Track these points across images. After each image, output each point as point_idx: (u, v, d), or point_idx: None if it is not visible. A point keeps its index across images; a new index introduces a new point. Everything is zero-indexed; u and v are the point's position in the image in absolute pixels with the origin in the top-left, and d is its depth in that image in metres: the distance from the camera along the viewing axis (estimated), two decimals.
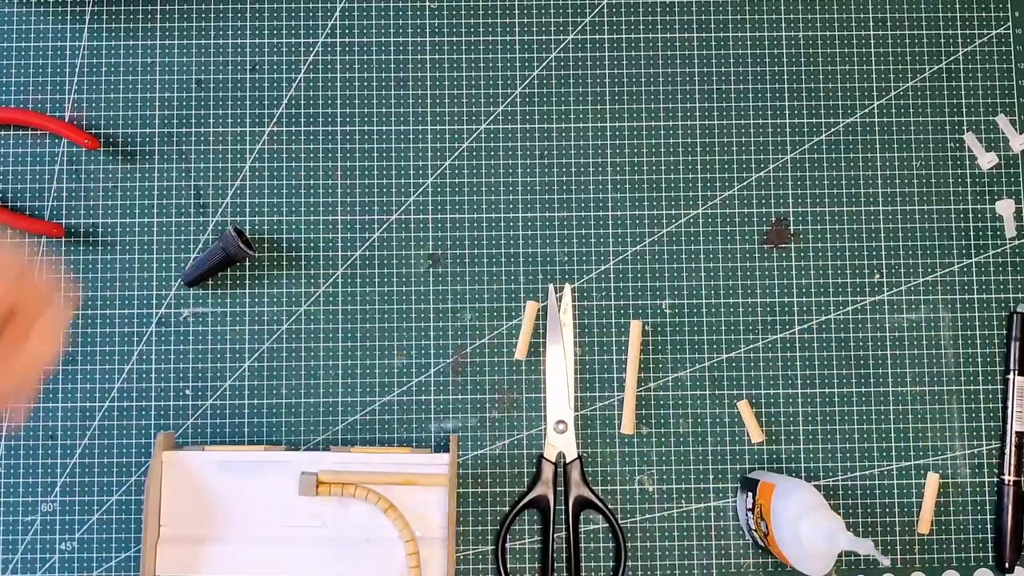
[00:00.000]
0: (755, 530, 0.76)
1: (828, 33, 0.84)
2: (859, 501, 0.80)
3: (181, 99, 0.82)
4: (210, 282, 0.81)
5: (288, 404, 0.80)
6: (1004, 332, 0.82)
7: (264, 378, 0.80)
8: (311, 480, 0.73)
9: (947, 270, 0.82)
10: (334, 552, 0.73)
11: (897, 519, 0.80)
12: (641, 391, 0.80)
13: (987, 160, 0.82)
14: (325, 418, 0.80)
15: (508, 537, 0.79)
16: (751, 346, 0.81)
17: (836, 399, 0.81)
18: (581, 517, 0.79)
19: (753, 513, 0.76)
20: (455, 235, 0.81)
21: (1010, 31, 0.84)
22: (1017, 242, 0.82)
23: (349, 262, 0.81)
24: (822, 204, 0.82)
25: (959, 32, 0.84)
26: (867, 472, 0.80)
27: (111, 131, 0.82)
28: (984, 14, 0.84)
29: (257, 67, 0.83)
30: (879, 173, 0.83)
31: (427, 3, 0.84)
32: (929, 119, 0.83)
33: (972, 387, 0.81)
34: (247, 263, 0.81)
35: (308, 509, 0.74)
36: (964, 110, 0.83)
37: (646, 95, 0.83)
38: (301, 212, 0.81)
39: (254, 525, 0.74)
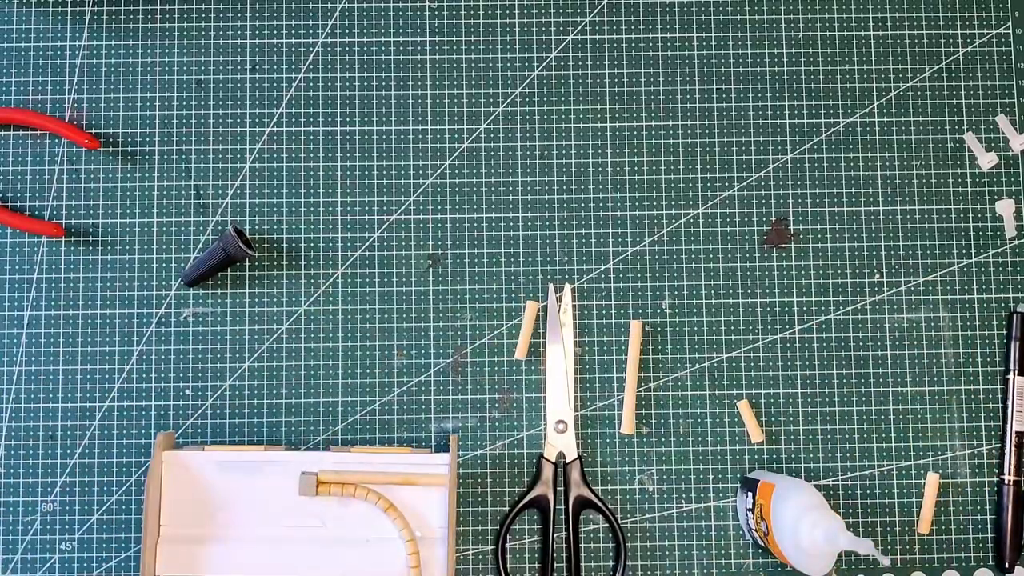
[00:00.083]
0: (755, 530, 0.76)
1: (828, 33, 0.84)
2: (859, 501, 0.80)
3: (181, 99, 0.82)
4: (210, 282, 0.81)
5: (288, 404, 0.80)
6: (1004, 332, 0.82)
7: (264, 378, 0.80)
8: (311, 480, 0.73)
9: (947, 270, 0.82)
10: (334, 552, 0.73)
11: (897, 519, 0.80)
12: (641, 391, 0.80)
13: (987, 160, 0.82)
14: (325, 418, 0.80)
15: (508, 537, 0.79)
16: (751, 346, 0.81)
17: (836, 399, 0.81)
18: (581, 517, 0.79)
19: (753, 513, 0.76)
20: (455, 235, 0.81)
21: (1010, 31, 0.84)
22: (1017, 242, 0.82)
23: (349, 262, 0.81)
24: (822, 204, 0.82)
25: (959, 32, 0.84)
26: (867, 472, 0.80)
27: (111, 131, 0.82)
28: (984, 14, 0.84)
29: (257, 67, 0.83)
30: (879, 173, 0.83)
31: (427, 3, 0.84)
32: (929, 119, 0.83)
33: (972, 387, 0.81)
34: (247, 263, 0.81)
35: (308, 509, 0.74)
36: (964, 110, 0.83)
37: (646, 95, 0.83)
38: (301, 212, 0.81)
39: (254, 525, 0.74)
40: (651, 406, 0.80)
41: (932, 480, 0.80)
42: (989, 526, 0.80)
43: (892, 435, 0.80)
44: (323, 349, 0.80)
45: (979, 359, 0.81)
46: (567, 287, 0.81)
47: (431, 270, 0.81)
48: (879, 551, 0.75)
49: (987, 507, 0.80)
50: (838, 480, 0.80)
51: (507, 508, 0.79)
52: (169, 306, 0.80)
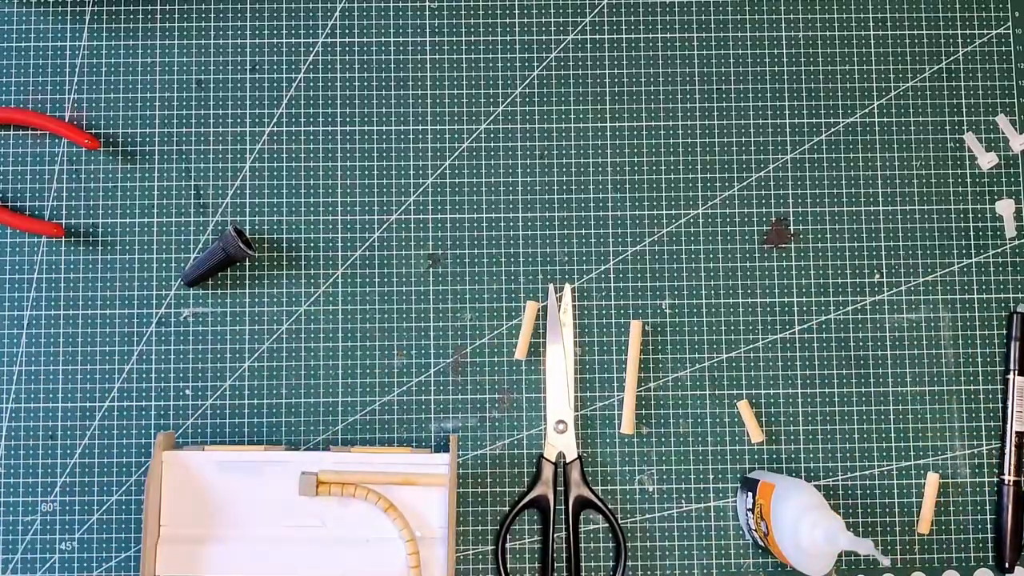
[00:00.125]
0: (755, 530, 0.76)
1: (828, 33, 0.84)
2: (859, 501, 0.80)
3: (181, 99, 0.82)
4: (210, 282, 0.81)
5: (288, 404, 0.80)
6: (1004, 332, 0.82)
7: (264, 378, 0.80)
8: (311, 480, 0.73)
9: (947, 270, 0.82)
10: (334, 552, 0.73)
11: (897, 519, 0.80)
12: (641, 391, 0.80)
13: (987, 160, 0.82)
14: (325, 418, 0.80)
15: (508, 537, 0.79)
16: (751, 346, 0.81)
17: (836, 399, 0.81)
18: (581, 517, 0.79)
19: (753, 513, 0.76)
20: (455, 235, 0.81)
21: (1010, 31, 0.84)
22: (1017, 242, 0.82)
23: (349, 262, 0.81)
24: (822, 204, 0.82)
25: (959, 32, 0.84)
26: (867, 472, 0.80)
27: (111, 131, 0.82)
28: (984, 14, 0.84)
29: (257, 67, 0.83)
30: (879, 173, 0.83)
31: (427, 3, 0.84)
32: (929, 119, 0.83)
33: (972, 387, 0.81)
34: (247, 263, 0.81)
35: (308, 509, 0.74)
36: (964, 110, 0.83)
37: (646, 95, 0.83)
38: (301, 212, 0.81)
39: (254, 525, 0.74)
40: (651, 406, 0.80)
41: (932, 480, 0.80)
42: (989, 526, 0.80)
43: (892, 435, 0.80)
44: (323, 349, 0.80)
45: (979, 359, 0.81)
46: (567, 287, 0.81)
47: (431, 270, 0.81)
48: (879, 551, 0.75)
49: (987, 507, 0.80)
50: (838, 480, 0.80)
51: (507, 508, 0.79)
52: (169, 306, 0.80)
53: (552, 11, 0.84)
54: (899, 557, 0.79)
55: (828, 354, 0.81)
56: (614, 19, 0.84)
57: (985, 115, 0.83)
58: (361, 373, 0.80)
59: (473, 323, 0.81)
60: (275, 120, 0.82)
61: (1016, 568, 0.79)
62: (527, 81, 0.83)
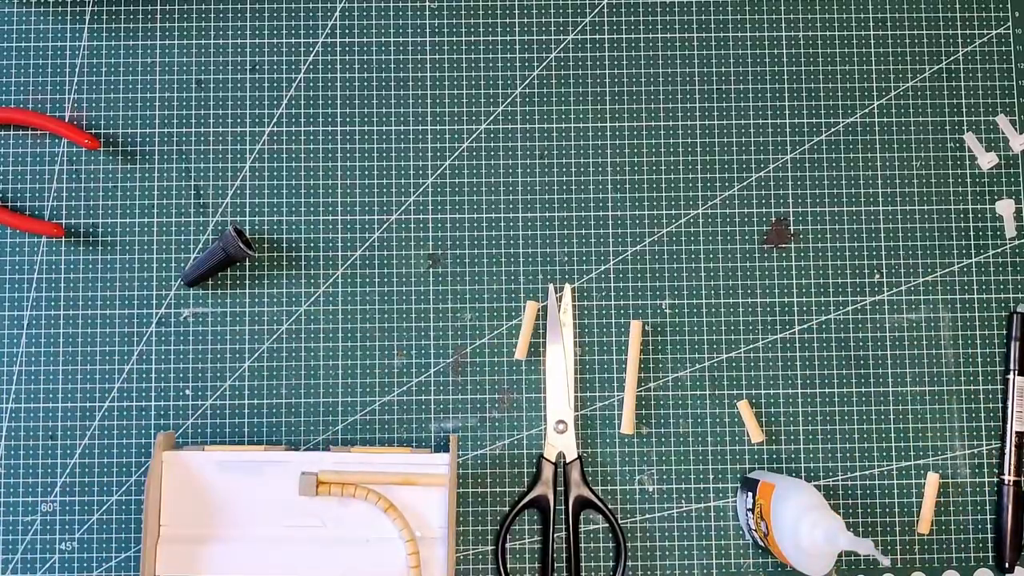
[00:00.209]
0: (755, 530, 0.76)
1: (828, 33, 0.84)
2: (859, 501, 0.80)
3: (181, 99, 0.82)
4: (210, 282, 0.81)
5: (288, 404, 0.80)
6: (1004, 332, 0.82)
7: (264, 378, 0.80)
8: (311, 480, 0.73)
9: (947, 270, 0.82)
10: (334, 552, 0.73)
11: (897, 519, 0.80)
12: (641, 391, 0.80)
13: (987, 160, 0.82)
14: (325, 418, 0.80)
15: (508, 537, 0.79)
16: (751, 346, 0.81)
17: (836, 399, 0.81)
18: (581, 517, 0.79)
19: (753, 513, 0.76)
20: (455, 235, 0.81)
21: (1010, 31, 0.84)
22: (1017, 242, 0.82)
23: (349, 262, 0.81)
24: (822, 204, 0.82)
25: (959, 32, 0.84)
26: (867, 472, 0.80)
27: (111, 131, 0.82)
28: (984, 14, 0.84)
29: (257, 67, 0.83)
30: (879, 173, 0.83)
31: (427, 3, 0.84)
32: (929, 119, 0.83)
33: (972, 387, 0.81)
34: (247, 263, 0.81)
35: (308, 509, 0.74)
36: (964, 110, 0.83)
37: (646, 95, 0.83)
38: (301, 212, 0.81)
39: (254, 525, 0.74)
40: (651, 406, 0.80)
41: (932, 480, 0.80)
42: (989, 526, 0.80)
43: (892, 435, 0.80)
44: (323, 349, 0.80)
45: (979, 359, 0.81)
46: (567, 287, 0.81)
47: (431, 270, 0.81)
48: (879, 551, 0.75)
49: (987, 507, 0.80)
50: (838, 480, 0.80)
51: (507, 508, 0.79)
52: (169, 306, 0.80)
53: (552, 11, 0.84)
54: (899, 557, 0.79)
55: (828, 354, 0.81)
56: (614, 19, 0.84)
57: (985, 115, 0.83)
58: (361, 373, 0.80)
59: (473, 323, 0.81)
60: (275, 120, 0.82)
61: (1016, 568, 0.79)
62: (527, 81, 0.83)
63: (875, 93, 0.83)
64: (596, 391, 0.80)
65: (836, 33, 0.84)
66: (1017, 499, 0.79)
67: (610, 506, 0.79)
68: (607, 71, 0.83)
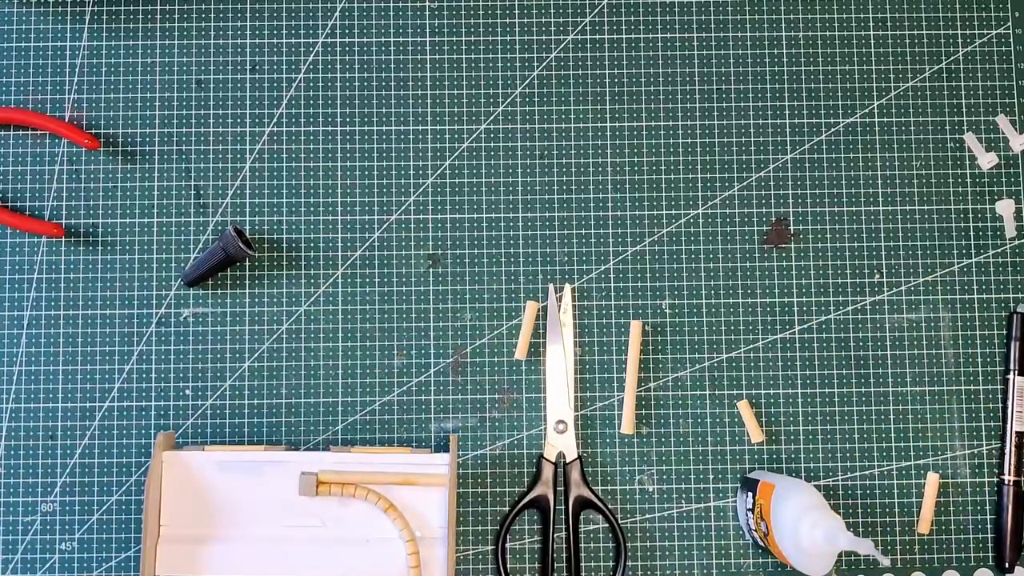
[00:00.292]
0: (755, 530, 0.76)
1: (828, 33, 0.84)
2: (859, 501, 0.80)
3: (181, 99, 0.82)
4: (210, 282, 0.81)
5: (288, 404, 0.80)
6: (1004, 332, 0.82)
7: (264, 378, 0.80)
8: (311, 480, 0.73)
9: (947, 270, 0.82)
10: (334, 552, 0.73)
11: (897, 519, 0.80)
12: (641, 391, 0.80)
13: (987, 160, 0.82)
14: (325, 418, 0.80)
15: (508, 537, 0.79)
16: (751, 346, 0.81)
17: (836, 399, 0.81)
18: (581, 517, 0.79)
19: (753, 513, 0.76)
20: (455, 235, 0.81)
21: (1010, 31, 0.84)
22: (1017, 242, 0.82)
23: (349, 262, 0.81)
24: (822, 204, 0.82)
25: (959, 32, 0.84)
26: (867, 472, 0.80)
27: (111, 131, 0.82)
28: (984, 14, 0.84)
29: (257, 67, 0.83)
30: (879, 173, 0.83)
31: (427, 3, 0.84)
32: (929, 119, 0.83)
33: (972, 387, 0.81)
34: (247, 263, 0.81)
35: (308, 509, 0.74)
36: (964, 110, 0.83)
37: (646, 95, 0.83)
38: (301, 212, 0.81)
39: (254, 525, 0.74)
40: (651, 406, 0.80)
41: (932, 480, 0.80)
42: (989, 526, 0.80)
43: (892, 435, 0.80)
44: (323, 349, 0.80)
45: (979, 359, 0.81)
46: (567, 287, 0.81)
47: (431, 270, 0.81)
48: (879, 551, 0.75)
49: (987, 507, 0.80)
50: (838, 480, 0.80)
51: (507, 508, 0.79)
52: (169, 306, 0.80)
53: (552, 11, 0.84)
54: (899, 557, 0.79)
55: (828, 354, 0.81)
56: (614, 19, 0.84)
57: (985, 115, 0.83)
58: (361, 373, 0.80)
59: (473, 323, 0.81)
60: (275, 120, 0.82)
61: (1016, 568, 0.79)
62: (527, 81, 0.83)
63: (875, 93, 0.83)
64: (596, 391, 0.80)
65: (836, 33, 0.84)
66: (1017, 499, 0.79)
67: (610, 506, 0.79)
68: (607, 71, 0.83)
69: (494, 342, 0.81)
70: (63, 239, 0.81)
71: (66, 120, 0.82)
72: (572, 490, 0.78)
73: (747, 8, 0.84)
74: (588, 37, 0.83)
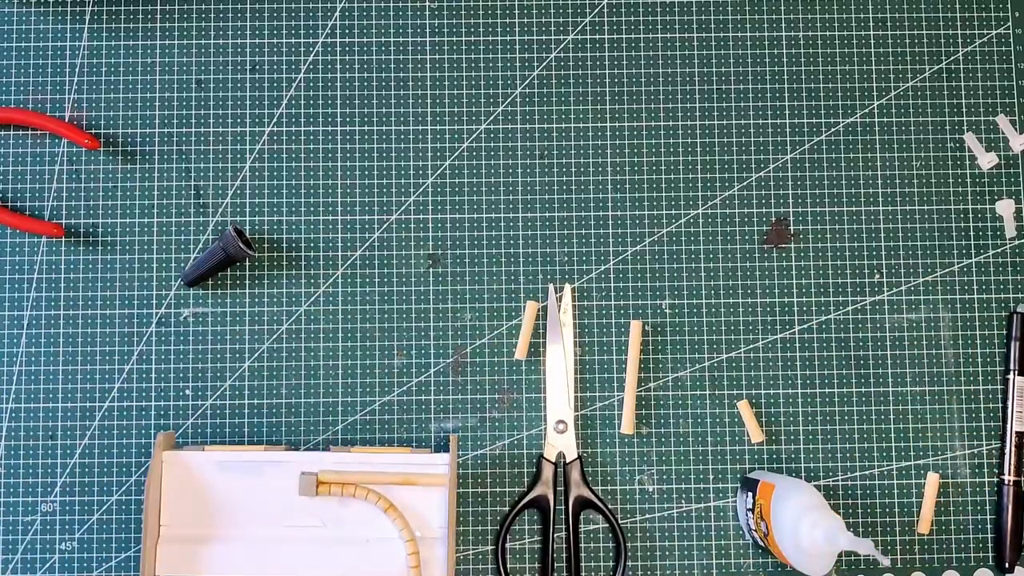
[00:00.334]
0: (755, 530, 0.76)
1: (828, 33, 0.84)
2: (859, 501, 0.80)
3: (181, 99, 0.82)
4: (210, 282, 0.81)
5: (288, 404, 0.80)
6: (1004, 332, 0.82)
7: (264, 378, 0.80)
8: (311, 480, 0.73)
9: (947, 270, 0.82)
10: (334, 552, 0.73)
11: (897, 519, 0.80)
12: (641, 391, 0.80)
13: (987, 160, 0.82)
14: (325, 418, 0.80)
15: (508, 537, 0.79)
16: (751, 346, 0.81)
17: (836, 399, 0.81)
18: (581, 517, 0.79)
19: (753, 513, 0.76)
20: (455, 235, 0.81)
21: (1010, 31, 0.84)
22: (1017, 242, 0.82)
23: (349, 262, 0.81)
24: (822, 204, 0.82)
25: (959, 32, 0.84)
26: (867, 472, 0.80)
27: (111, 131, 0.82)
28: (984, 14, 0.84)
29: (257, 67, 0.83)
30: (879, 173, 0.83)
31: (427, 3, 0.84)
32: (929, 119, 0.83)
33: (972, 387, 0.81)
34: (247, 263, 0.81)
35: (308, 509, 0.74)
36: (964, 110, 0.83)
37: (646, 95, 0.83)
38: (301, 212, 0.81)
39: (254, 525, 0.74)
40: (651, 406, 0.80)
41: (932, 480, 0.80)
42: (989, 526, 0.80)
43: (892, 435, 0.80)
44: (323, 349, 0.80)
45: (979, 359, 0.81)
46: (567, 287, 0.81)
47: (431, 270, 0.81)
48: (879, 551, 0.75)
49: (987, 507, 0.80)
50: (838, 480, 0.80)
51: (507, 508, 0.79)
52: (169, 306, 0.80)
53: (552, 11, 0.84)
54: (899, 557, 0.79)
55: (828, 354, 0.81)
56: (614, 19, 0.84)
57: (985, 115, 0.83)
58: (361, 373, 0.80)
59: (473, 323, 0.81)
60: (275, 120, 0.82)
61: (1016, 568, 0.79)
62: (527, 81, 0.83)
63: (875, 93, 0.83)
64: (596, 391, 0.80)
65: (836, 33, 0.84)
66: (1017, 499, 0.79)
67: (610, 506, 0.79)
68: (607, 71, 0.83)
69: (494, 342, 0.81)
70: (63, 239, 0.81)
71: (66, 120, 0.82)
72: (572, 490, 0.78)
73: (747, 8, 0.84)
74: (588, 37, 0.83)
